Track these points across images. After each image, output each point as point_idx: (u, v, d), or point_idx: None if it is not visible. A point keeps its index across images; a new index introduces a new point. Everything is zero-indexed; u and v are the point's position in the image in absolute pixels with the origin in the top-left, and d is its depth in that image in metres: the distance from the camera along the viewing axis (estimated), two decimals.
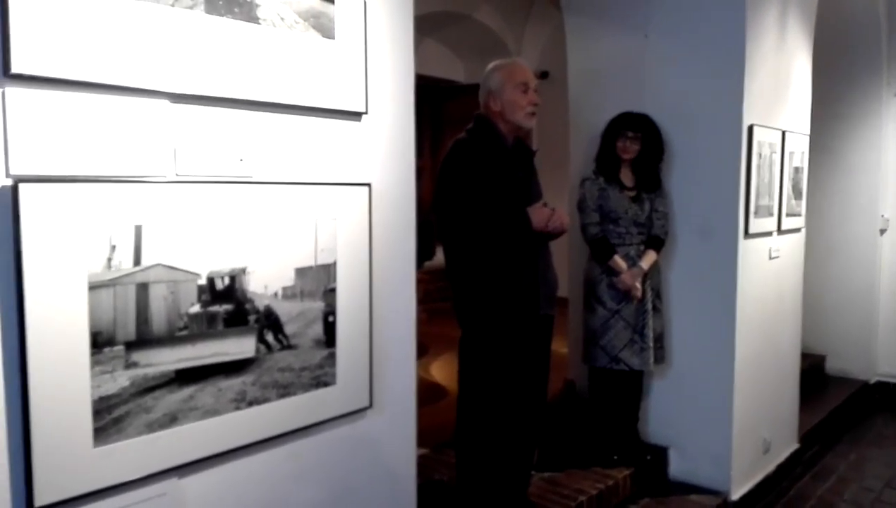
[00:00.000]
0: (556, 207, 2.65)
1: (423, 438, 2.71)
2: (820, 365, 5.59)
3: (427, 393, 4.05)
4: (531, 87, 2.64)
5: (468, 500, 2.73)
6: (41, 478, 1.28)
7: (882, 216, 5.51)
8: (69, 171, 1.29)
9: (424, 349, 4.96)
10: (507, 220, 2.55)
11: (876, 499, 3.82)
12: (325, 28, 1.68)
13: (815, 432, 4.56)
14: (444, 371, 4.51)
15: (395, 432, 2.01)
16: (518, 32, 7.40)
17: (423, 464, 2.88)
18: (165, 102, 1.42)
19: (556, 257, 2.85)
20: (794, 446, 4.21)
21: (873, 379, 5.59)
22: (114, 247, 1.35)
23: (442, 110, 7.30)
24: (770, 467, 3.90)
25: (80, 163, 1.31)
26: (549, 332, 2.78)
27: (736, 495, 3.54)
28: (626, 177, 3.38)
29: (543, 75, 7.04)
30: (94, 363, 1.34)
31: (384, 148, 1.90)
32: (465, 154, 2.59)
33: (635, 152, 3.33)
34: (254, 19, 1.54)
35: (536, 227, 2.56)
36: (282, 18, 1.59)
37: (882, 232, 5.54)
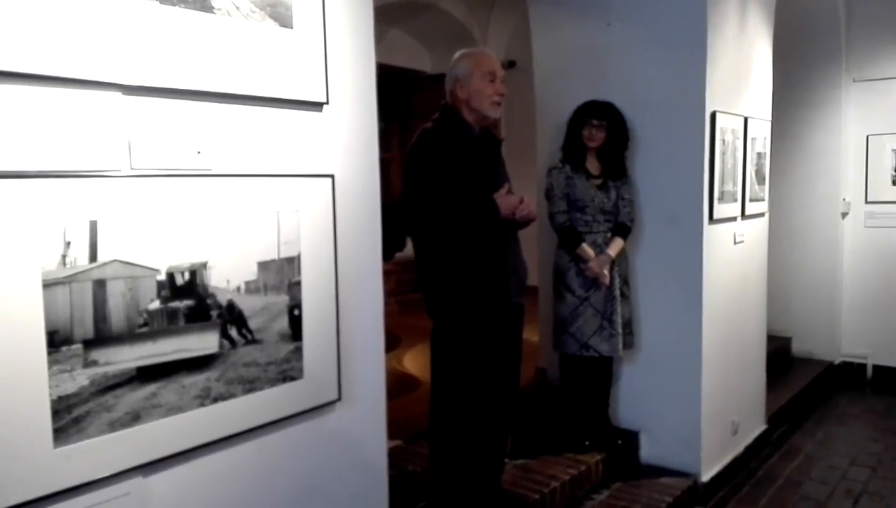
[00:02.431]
0: (523, 196, 2.66)
1: (396, 429, 2.71)
2: (786, 347, 5.69)
3: (400, 384, 4.05)
4: (498, 77, 2.64)
5: (442, 490, 2.74)
6: (0, 481, 1.25)
7: (843, 200, 5.62)
8: (19, 166, 1.26)
9: (397, 340, 4.95)
10: (475, 208, 2.55)
11: (842, 477, 3.91)
12: (282, 17, 1.66)
13: (782, 413, 4.65)
14: (416, 362, 4.51)
15: (365, 424, 2.00)
16: (483, 21, 7.39)
17: (396, 456, 2.88)
18: (118, 94, 1.39)
19: (526, 246, 2.86)
20: (762, 427, 4.29)
21: (838, 360, 5.71)
22: (68, 244, 1.32)
23: (409, 101, 7.27)
24: (739, 448, 3.97)
25: (30, 158, 1.27)
26: (520, 321, 2.79)
27: (706, 476, 3.60)
28: (592, 165, 3.40)
29: (510, 64, 7.03)
30: (52, 362, 1.31)
31: (346, 138, 1.88)
32: (431, 143, 2.59)
33: (601, 140, 3.35)
34: (207, 9, 1.51)
35: (504, 214, 2.56)
36: (237, 7, 1.56)
37: (843, 215, 5.65)
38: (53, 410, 1.32)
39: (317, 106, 1.78)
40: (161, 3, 1.43)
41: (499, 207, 2.55)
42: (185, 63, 1.47)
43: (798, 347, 5.76)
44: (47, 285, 1.29)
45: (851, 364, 5.71)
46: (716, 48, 3.46)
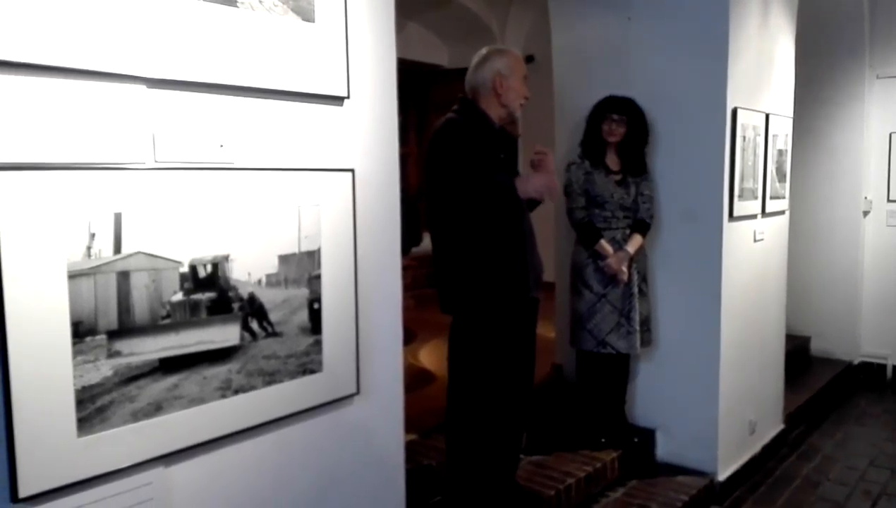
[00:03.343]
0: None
1: (411, 424, 2.71)
2: (805, 346, 5.65)
3: (415, 378, 4.06)
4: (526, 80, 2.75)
5: (458, 484, 2.74)
6: (25, 469, 1.27)
7: (865, 198, 5.56)
8: (46, 159, 1.27)
9: (412, 335, 4.96)
10: (497, 190, 2.54)
11: (860, 478, 3.87)
12: (304, 11, 1.66)
13: (801, 412, 4.62)
14: (432, 356, 4.52)
15: (382, 418, 2.01)
16: (502, 16, 7.36)
17: (411, 450, 2.89)
18: (142, 88, 1.40)
19: (542, 242, 2.86)
20: (780, 426, 4.26)
21: (857, 360, 5.66)
22: (93, 236, 1.33)
23: (426, 95, 7.26)
24: (756, 447, 3.94)
25: (57, 150, 1.29)
26: (535, 315, 2.79)
27: (723, 476, 3.58)
28: (612, 161, 3.38)
29: (529, 59, 7.01)
30: (76, 352, 1.32)
31: (367, 132, 1.88)
32: (457, 131, 2.60)
33: (621, 135, 3.34)
34: (231, 3, 1.51)
35: (530, 191, 2.57)
36: (260, 1, 1.56)
37: (865, 214, 5.59)
38: (77, 400, 1.33)
39: (338, 100, 1.78)
40: None
41: (517, 188, 2.54)
42: (208, 57, 1.48)
43: (817, 346, 5.71)
44: (72, 276, 1.31)
45: (871, 364, 5.65)
46: (738, 44, 3.42)
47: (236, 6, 1.52)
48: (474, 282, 2.60)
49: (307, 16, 1.67)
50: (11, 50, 1.21)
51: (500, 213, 2.57)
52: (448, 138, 2.60)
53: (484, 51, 2.75)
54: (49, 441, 1.30)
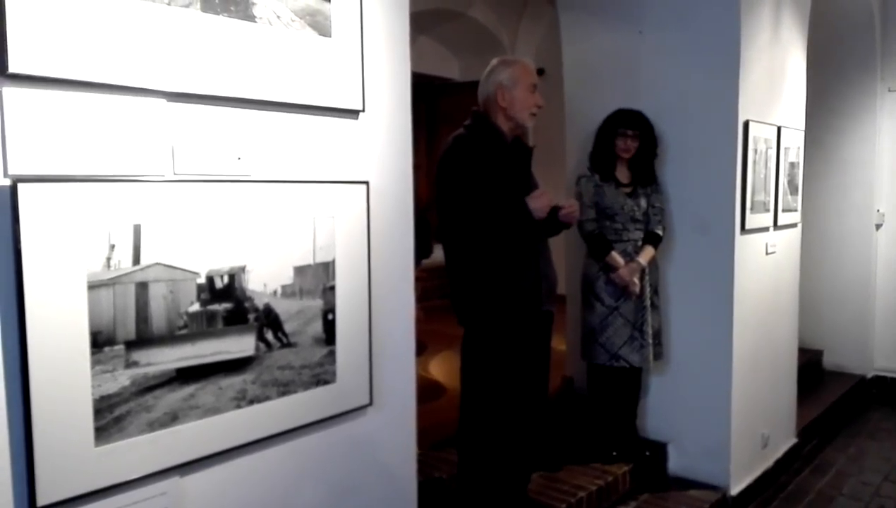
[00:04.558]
0: (571, 200, 2.64)
1: (422, 436, 2.71)
2: (817, 360, 5.61)
3: (426, 390, 4.05)
4: (537, 89, 2.68)
5: (469, 497, 2.74)
6: (43, 478, 1.28)
7: (877, 211, 5.53)
8: (67, 171, 1.29)
9: (423, 347, 4.96)
10: (509, 213, 2.54)
11: (874, 493, 3.83)
12: (321, 26, 1.68)
13: (813, 426, 4.58)
14: (442, 368, 4.52)
15: (395, 429, 2.01)
16: (512, 29, 7.40)
17: (422, 462, 2.88)
18: (162, 101, 1.42)
19: (553, 255, 2.85)
20: (793, 441, 4.23)
21: (870, 374, 5.61)
22: (113, 247, 1.35)
23: (437, 108, 7.30)
24: (769, 462, 3.92)
25: (78, 162, 1.31)
26: (549, 328, 2.79)
27: (735, 490, 3.55)
28: (622, 173, 3.39)
29: (539, 72, 7.03)
30: (95, 362, 1.34)
31: (382, 145, 1.90)
32: (465, 149, 2.60)
33: (634, 150, 3.34)
34: (250, 18, 1.54)
35: (538, 216, 2.54)
36: (278, 17, 1.58)
37: (878, 226, 5.56)
38: (95, 409, 1.34)
39: (353, 113, 1.80)
40: (204, 11, 1.46)
41: (531, 210, 2.53)
42: (227, 71, 1.50)
43: (830, 360, 5.67)
44: (92, 287, 1.32)
45: (884, 378, 5.60)
46: (749, 56, 3.43)
47: (255, 21, 1.55)
48: (486, 295, 2.60)
49: (324, 31, 1.69)
50: (35, 64, 1.23)
51: (511, 234, 2.57)
52: (455, 158, 2.59)
53: (494, 62, 2.73)
54: (67, 451, 1.31)
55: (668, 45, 3.52)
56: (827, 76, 5.34)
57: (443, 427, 3.12)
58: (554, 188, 3.85)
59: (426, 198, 2.75)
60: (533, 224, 2.55)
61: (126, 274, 1.37)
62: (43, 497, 1.28)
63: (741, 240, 3.49)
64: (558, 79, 4.05)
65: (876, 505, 3.68)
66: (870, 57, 5.42)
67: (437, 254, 2.79)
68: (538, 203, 2.54)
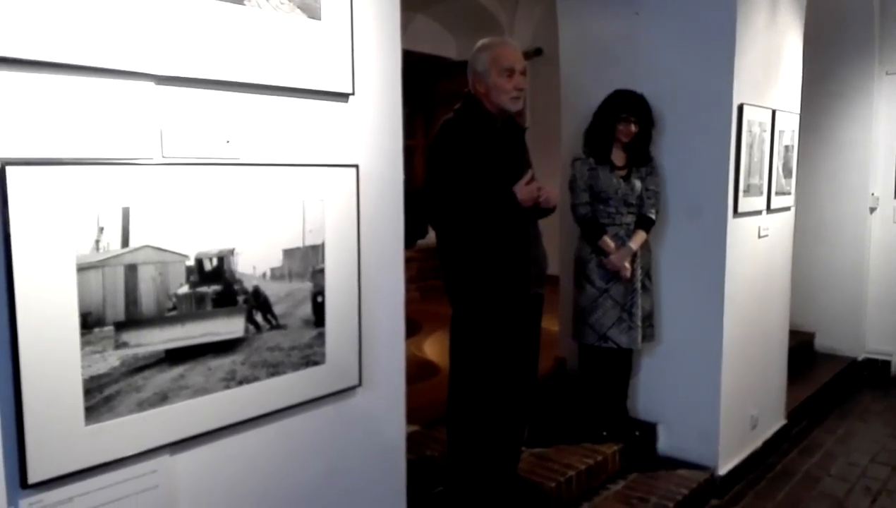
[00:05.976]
0: (542, 185, 2.65)
1: (415, 415, 2.75)
2: (809, 342, 5.65)
3: (419, 370, 4.09)
4: (517, 71, 2.59)
5: (459, 476, 2.78)
6: (34, 456, 1.30)
7: (872, 194, 5.54)
8: (56, 154, 1.30)
9: (417, 326, 4.99)
10: (494, 200, 2.56)
11: (861, 474, 3.89)
12: (310, 9, 1.68)
13: (803, 408, 4.63)
14: (436, 348, 4.55)
15: (385, 409, 2.04)
16: (511, 8, 7.35)
17: (414, 441, 2.92)
18: (151, 84, 1.42)
19: (547, 236, 2.87)
20: (782, 422, 4.28)
21: (861, 356, 5.66)
22: (101, 229, 1.36)
23: (434, 87, 7.26)
24: (757, 442, 3.96)
25: (66, 145, 1.32)
26: (538, 310, 2.81)
27: (723, 470, 3.60)
28: (618, 156, 3.38)
29: (537, 52, 7.00)
30: (85, 343, 1.35)
31: (371, 129, 1.90)
32: (452, 135, 2.60)
33: (634, 134, 3.33)
34: (238, 1, 1.53)
35: (524, 204, 2.56)
36: None
37: (872, 210, 5.57)
38: (85, 389, 1.36)
39: (343, 96, 1.80)
40: None
41: (517, 196, 2.55)
42: (215, 54, 1.50)
43: (821, 343, 5.71)
44: (81, 269, 1.34)
45: (875, 361, 5.65)
46: (745, 39, 3.42)
47: (243, 4, 1.54)
48: (475, 276, 2.62)
49: (313, 13, 1.69)
50: (23, 47, 1.23)
51: (497, 221, 2.58)
52: (443, 143, 2.60)
53: (476, 45, 2.69)
54: (57, 430, 1.33)
55: (663, 27, 3.51)
56: (824, 59, 5.32)
57: (436, 406, 3.15)
58: (550, 168, 3.88)
59: (422, 179, 2.75)
60: (519, 210, 2.56)
61: (115, 257, 1.38)
62: (34, 474, 1.31)
63: (734, 224, 3.51)
64: (557, 59, 4.03)
65: (862, 486, 3.73)
66: (867, 39, 5.40)
67: (433, 234, 2.80)
68: (525, 194, 2.55)
